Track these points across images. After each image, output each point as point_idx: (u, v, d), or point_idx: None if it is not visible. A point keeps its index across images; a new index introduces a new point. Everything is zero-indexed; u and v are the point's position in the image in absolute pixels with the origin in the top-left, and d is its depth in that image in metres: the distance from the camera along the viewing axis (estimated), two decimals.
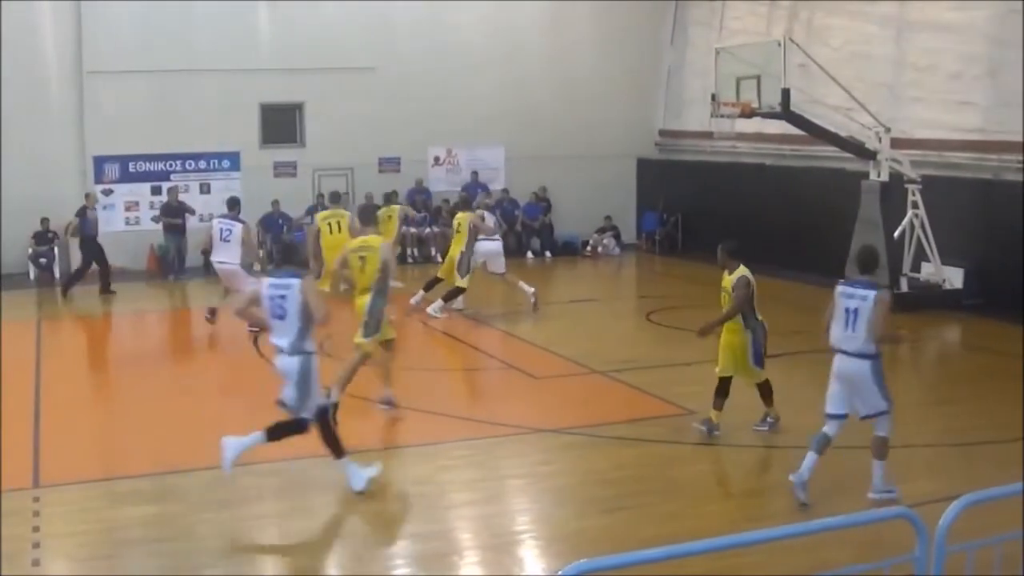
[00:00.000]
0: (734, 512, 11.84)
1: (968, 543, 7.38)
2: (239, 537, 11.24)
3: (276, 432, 12.30)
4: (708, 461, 13.84)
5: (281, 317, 12.11)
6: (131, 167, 31.37)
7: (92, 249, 27.76)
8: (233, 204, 22.49)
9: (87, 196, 28.65)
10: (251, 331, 19.74)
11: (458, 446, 14.51)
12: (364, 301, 15.52)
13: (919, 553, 7.08)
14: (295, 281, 12.11)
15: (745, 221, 30.06)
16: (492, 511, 12.48)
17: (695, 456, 13.90)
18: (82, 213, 27.81)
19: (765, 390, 15.10)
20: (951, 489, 10.77)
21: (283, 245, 15.73)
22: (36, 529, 11.48)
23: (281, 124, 33.00)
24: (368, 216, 17.45)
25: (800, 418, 15.35)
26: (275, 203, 31.51)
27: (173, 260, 30.13)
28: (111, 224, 30.74)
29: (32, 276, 29.79)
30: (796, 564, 8.95)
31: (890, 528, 7.51)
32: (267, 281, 12.33)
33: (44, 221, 29.96)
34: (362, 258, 15.71)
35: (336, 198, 24.96)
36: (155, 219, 30.81)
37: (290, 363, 12.09)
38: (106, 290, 27.63)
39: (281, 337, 12.19)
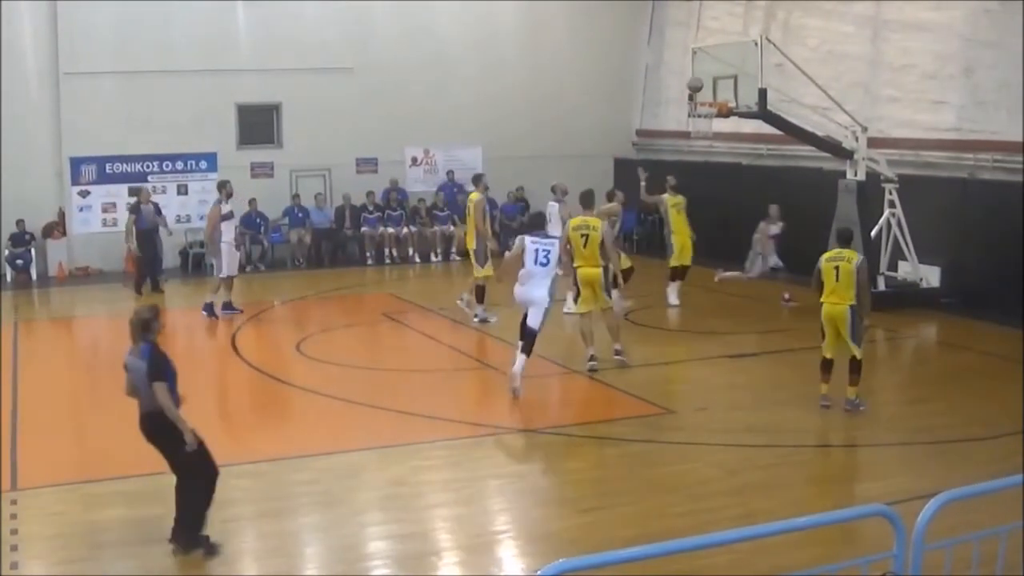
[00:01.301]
0: (713, 511, 11.82)
1: (946, 540, 7.39)
2: (217, 539, 11.18)
3: (527, 348, 16.79)
4: (686, 461, 13.78)
5: (544, 265, 16.95)
6: (108, 168, 31.16)
7: (148, 242, 27.82)
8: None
9: (140, 191, 28.79)
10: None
11: (436, 446, 14.46)
12: (589, 273, 18.38)
13: (897, 551, 7.08)
14: (555, 240, 17.49)
15: (723, 220, 30.12)
16: (470, 511, 12.45)
17: (673, 456, 13.89)
18: (136, 209, 27.90)
19: (854, 367, 15.63)
20: (928, 487, 10.82)
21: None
22: (14, 532, 11.43)
23: (258, 125, 32.87)
24: (587, 201, 19.49)
25: (780, 416, 15.40)
26: (252, 202, 31.34)
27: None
28: (88, 225, 30.84)
29: (9, 278, 29.57)
30: (775, 562, 8.94)
31: (868, 525, 7.51)
32: (530, 239, 17.30)
33: (20, 223, 29.80)
34: (584, 235, 18.31)
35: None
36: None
37: (542, 298, 16.75)
38: (156, 287, 27.91)
39: (542, 280, 16.83)
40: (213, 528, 11.21)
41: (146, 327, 11.20)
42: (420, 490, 13.09)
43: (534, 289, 16.95)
